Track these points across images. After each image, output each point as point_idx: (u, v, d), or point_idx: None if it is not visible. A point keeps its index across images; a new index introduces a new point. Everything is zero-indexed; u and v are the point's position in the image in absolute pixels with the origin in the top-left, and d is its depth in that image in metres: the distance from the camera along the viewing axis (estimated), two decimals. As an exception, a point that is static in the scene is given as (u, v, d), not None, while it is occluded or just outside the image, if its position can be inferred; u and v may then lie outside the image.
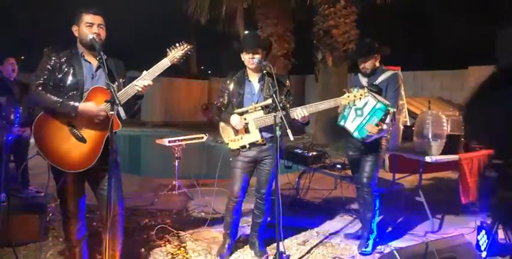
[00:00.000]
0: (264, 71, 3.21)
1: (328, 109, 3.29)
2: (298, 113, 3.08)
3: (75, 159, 2.60)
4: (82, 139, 2.61)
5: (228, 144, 3.33)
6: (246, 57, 3.21)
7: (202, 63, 21.86)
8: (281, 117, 2.88)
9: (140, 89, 2.61)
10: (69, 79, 2.60)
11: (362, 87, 3.50)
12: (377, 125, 3.26)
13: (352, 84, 3.76)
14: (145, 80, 2.63)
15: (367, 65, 3.57)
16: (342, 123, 3.56)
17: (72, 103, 2.52)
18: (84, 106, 2.53)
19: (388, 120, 3.32)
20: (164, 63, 2.71)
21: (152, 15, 15.08)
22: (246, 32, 11.25)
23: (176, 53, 2.73)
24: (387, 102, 3.30)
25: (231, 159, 3.35)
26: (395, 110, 3.40)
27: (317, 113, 3.30)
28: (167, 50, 2.74)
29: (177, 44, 2.76)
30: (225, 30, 12.58)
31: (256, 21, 11.86)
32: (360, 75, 3.72)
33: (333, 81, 9.66)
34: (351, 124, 3.47)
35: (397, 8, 9.77)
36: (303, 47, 11.62)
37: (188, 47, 2.76)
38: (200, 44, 20.04)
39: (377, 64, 3.62)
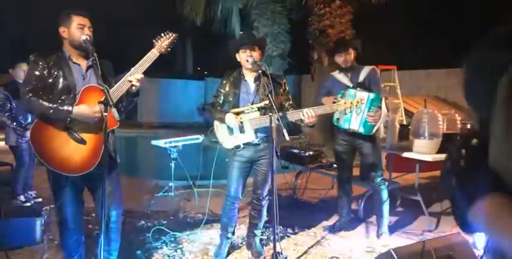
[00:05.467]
0: (260, 71, 3.19)
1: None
2: (304, 113, 3.05)
3: (77, 162, 2.57)
4: (82, 141, 2.58)
5: (222, 143, 3.32)
6: (242, 56, 3.18)
7: (198, 63, 21.82)
8: (277, 119, 2.86)
9: (135, 83, 2.60)
10: (60, 82, 2.57)
11: (347, 88, 3.62)
12: (375, 112, 3.47)
13: (331, 86, 3.87)
14: (136, 73, 2.62)
15: (348, 58, 3.74)
16: (346, 126, 3.63)
17: (66, 108, 2.48)
18: (78, 109, 2.51)
19: (383, 107, 3.53)
20: (153, 54, 2.70)
21: (147, 16, 15.04)
22: (242, 32, 11.26)
23: (163, 42, 2.73)
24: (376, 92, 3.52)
25: (227, 160, 3.34)
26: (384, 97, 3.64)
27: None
28: (153, 41, 2.74)
29: (162, 34, 2.76)
30: (221, 31, 12.58)
31: (252, 22, 11.87)
32: (338, 75, 3.83)
33: (329, 81, 9.66)
34: (355, 123, 3.59)
35: (392, 7, 9.78)
36: (298, 46, 11.63)
37: (174, 35, 2.77)
38: (196, 45, 20.05)
39: (353, 58, 3.80)
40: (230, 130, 3.23)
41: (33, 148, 2.52)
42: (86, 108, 2.52)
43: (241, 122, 3.16)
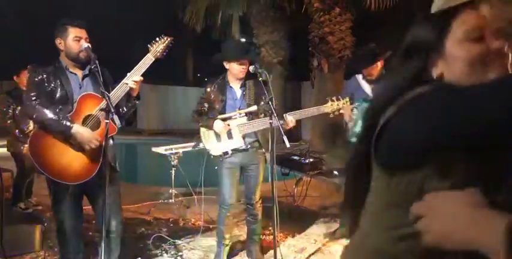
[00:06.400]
0: (260, 79, 3.18)
1: (325, 116, 3.29)
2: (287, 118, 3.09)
3: (77, 170, 2.56)
4: (80, 149, 2.57)
5: (209, 150, 3.30)
6: (235, 67, 3.17)
7: (199, 70, 21.86)
8: (279, 125, 2.86)
9: (132, 85, 2.59)
10: (58, 92, 2.57)
11: (368, 97, 3.41)
12: None
13: (351, 89, 3.71)
14: (133, 76, 2.61)
15: (374, 72, 3.46)
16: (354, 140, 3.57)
17: (66, 123, 2.48)
18: (80, 129, 2.51)
19: None
20: (148, 59, 2.69)
21: (147, 24, 15.11)
22: (229, 39, 11.26)
23: (158, 47, 2.72)
24: None
25: (216, 167, 3.32)
26: None
27: (314, 119, 3.32)
28: (148, 45, 2.72)
29: (157, 38, 2.75)
30: (221, 38, 12.62)
31: (252, 29, 11.92)
32: (362, 80, 3.64)
33: (328, 88, 9.67)
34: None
35: (392, 14, 9.82)
36: (298, 53, 11.66)
37: (169, 39, 2.76)
38: (196, 52, 20.11)
39: (380, 69, 3.49)
40: (217, 136, 3.22)
41: (32, 158, 2.50)
42: (88, 133, 2.53)
43: (230, 129, 3.17)
